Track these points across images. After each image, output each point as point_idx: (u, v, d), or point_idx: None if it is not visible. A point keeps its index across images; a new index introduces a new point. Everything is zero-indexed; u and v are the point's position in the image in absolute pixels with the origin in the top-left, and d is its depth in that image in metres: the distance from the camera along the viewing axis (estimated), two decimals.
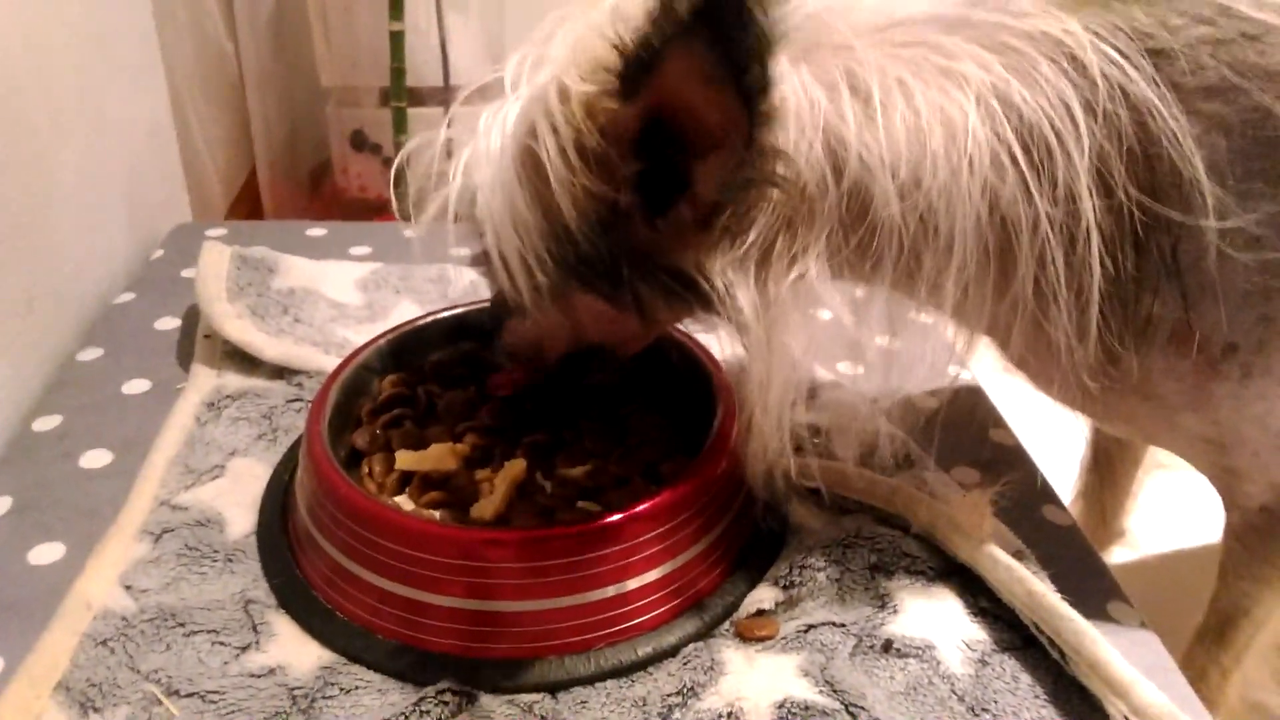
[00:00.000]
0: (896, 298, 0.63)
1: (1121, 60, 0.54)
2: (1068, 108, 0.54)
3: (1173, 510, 1.05)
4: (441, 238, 0.60)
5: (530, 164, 0.55)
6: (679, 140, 0.52)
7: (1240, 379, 0.61)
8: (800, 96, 0.54)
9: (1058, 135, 0.54)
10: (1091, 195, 0.54)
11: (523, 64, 0.57)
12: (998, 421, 0.88)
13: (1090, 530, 1.04)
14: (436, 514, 0.68)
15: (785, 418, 0.60)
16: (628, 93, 0.51)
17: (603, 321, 0.64)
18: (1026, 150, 0.54)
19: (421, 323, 0.82)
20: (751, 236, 0.55)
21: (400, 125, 1.67)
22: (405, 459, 0.70)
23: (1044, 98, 0.54)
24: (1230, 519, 0.73)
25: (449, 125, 0.60)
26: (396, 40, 1.59)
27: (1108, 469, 1.02)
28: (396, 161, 0.62)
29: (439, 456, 0.71)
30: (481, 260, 0.61)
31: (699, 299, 0.58)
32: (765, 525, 0.70)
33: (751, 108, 0.49)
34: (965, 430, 0.85)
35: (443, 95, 1.72)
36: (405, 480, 0.71)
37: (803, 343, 0.60)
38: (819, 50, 0.55)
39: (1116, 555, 1.06)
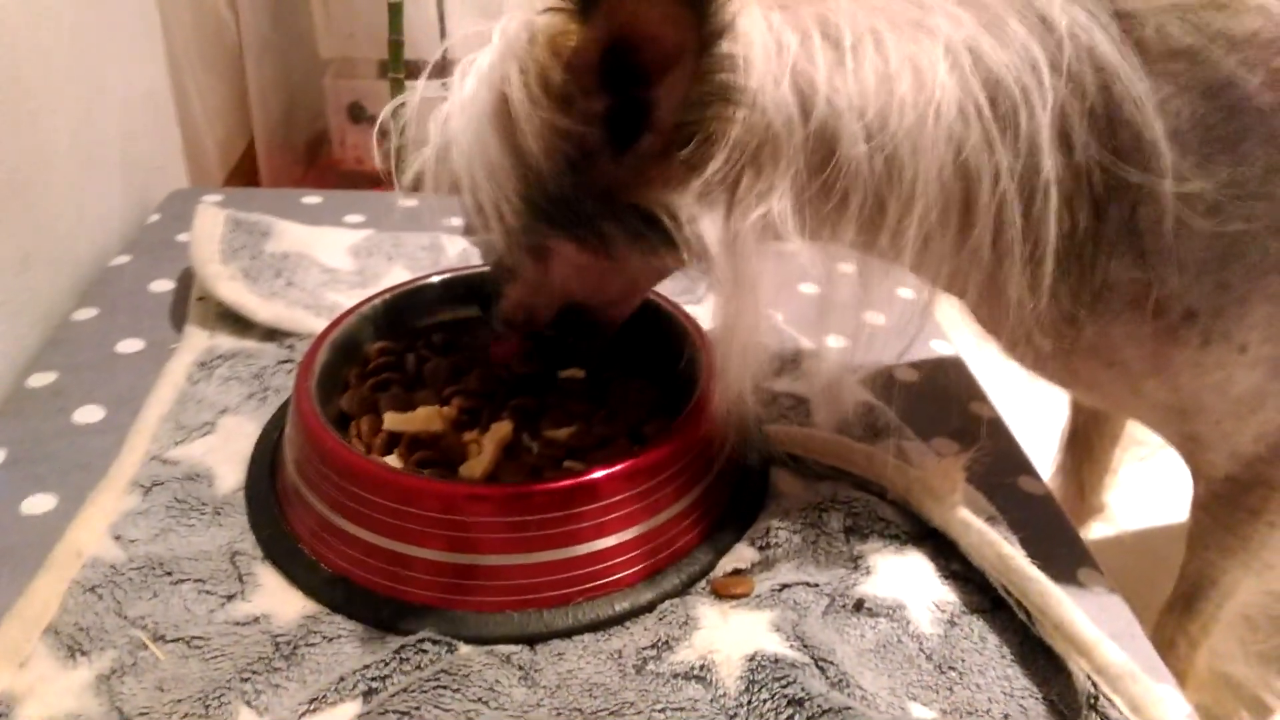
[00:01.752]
0: (858, 255, 0.63)
1: (1089, 22, 0.55)
2: (1034, 65, 0.54)
3: (1152, 486, 1.06)
4: (435, 206, 0.62)
5: (502, 109, 0.56)
6: (637, 68, 0.53)
7: (1199, 345, 0.62)
8: (769, 38, 0.55)
9: (1023, 91, 0.54)
10: (1054, 151, 0.55)
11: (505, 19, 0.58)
12: (978, 394, 0.89)
13: (1069, 505, 1.05)
14: (425, 472, 0.69)
15: (751, 355, 0.61)
16: (584, 9, 0.51)
17: (584, 276, 0.65)
18: (993, 103, 0.55)
19: (410, 287, 0.83)
20: (714, 166, 0.55)
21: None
22: (393, 420, 0.72)
23: (1012, 54, 0.54)
24: (1196, 490, 0.74)
25: (425, 87, 0.61)
26: (395, 13, 1.59)
27: (1086, 445, 1.03)
28: (379, 120, 0.63)
29: (426, 418, 0.72)
30: (473, 228, 0.62)
31: (664, 237, 0.58)
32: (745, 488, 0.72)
33: (706, 17, 0.50)
34: (945, 402, 0.87)
35: (440, 67, 1.73)
36: (393, 441, 0.72)
37: (769, 281, 0.60)
38: (795, 1, 0.56)
39: (1095, 530, 1.08)
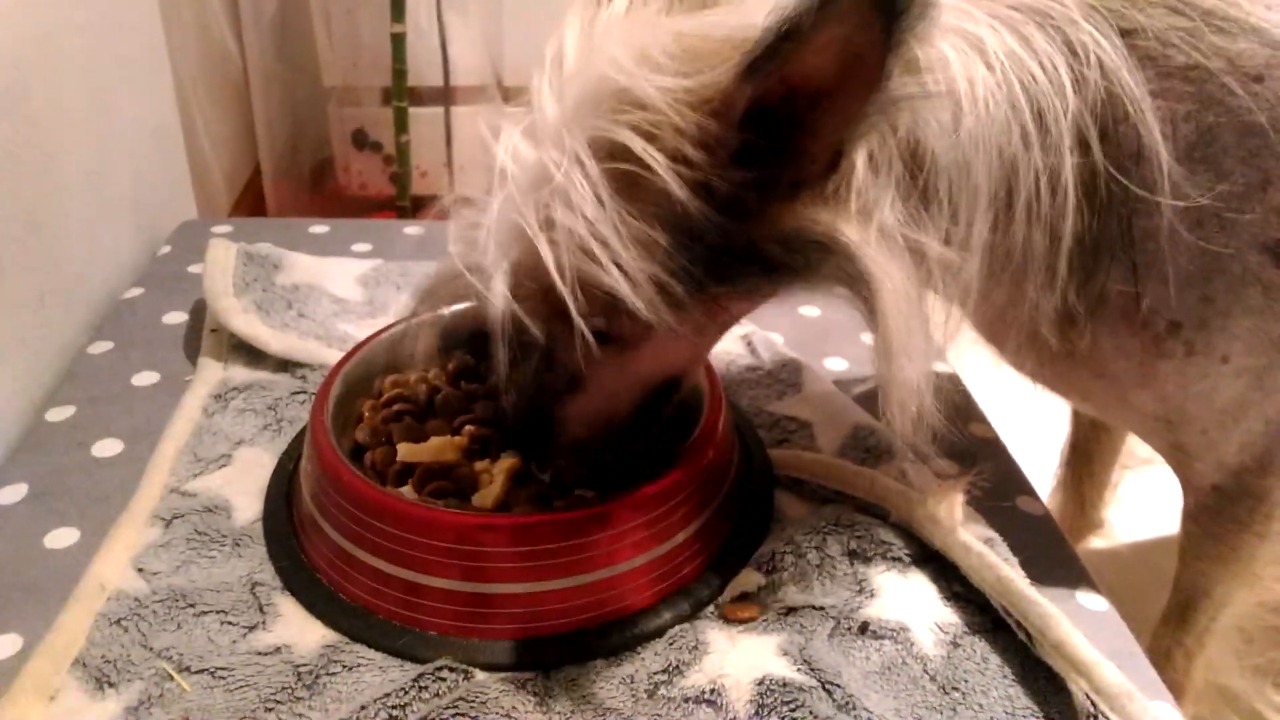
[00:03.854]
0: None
1: (1099, 36, 0.57)
2: (1058, 74, 0.57)
3: (1149, 499, 1.08)
4: (439, 236, 0.60)
5: (621, 186, 0.53)
6: (781, 101, 0.52)
7: (1184, 356, 0.64)
8: None
9: (1049, 98, 0.56)
10: (1072, 154, 0.57)
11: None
12: (977, 415, 0.91)
13: (1069, 521, 1.07)
14: (440, 503, 0.71)
15: (924, 361, 0.59)
16: (761, 66, 0.50)
17: (680, 343, 0.62)
18: (1031, 109, 0.56)
19: (421, 319, 0.85)
20: (858, 182, 0.55)
21: (401, 124, 1.70)
22: (406, 451, 0.73)
23: (1038, 63, 0.56)
24: (1186, 501, 0.76)
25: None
26: (398, 41, 1.62)
27: (1086, 462, 1.05)
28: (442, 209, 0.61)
29: (438, 448, 0.74)
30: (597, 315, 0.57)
31: (820, 257, 0.57)
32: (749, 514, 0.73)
33: (894, 51, 0.48)
34: (945, 423, 0.88)
35: (443, 95, 1.75)
36: (407, 472, 0.73)
37: (917, 283, 0.59)
38: None
39: (1093, 543, 1.09)
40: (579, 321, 0.55)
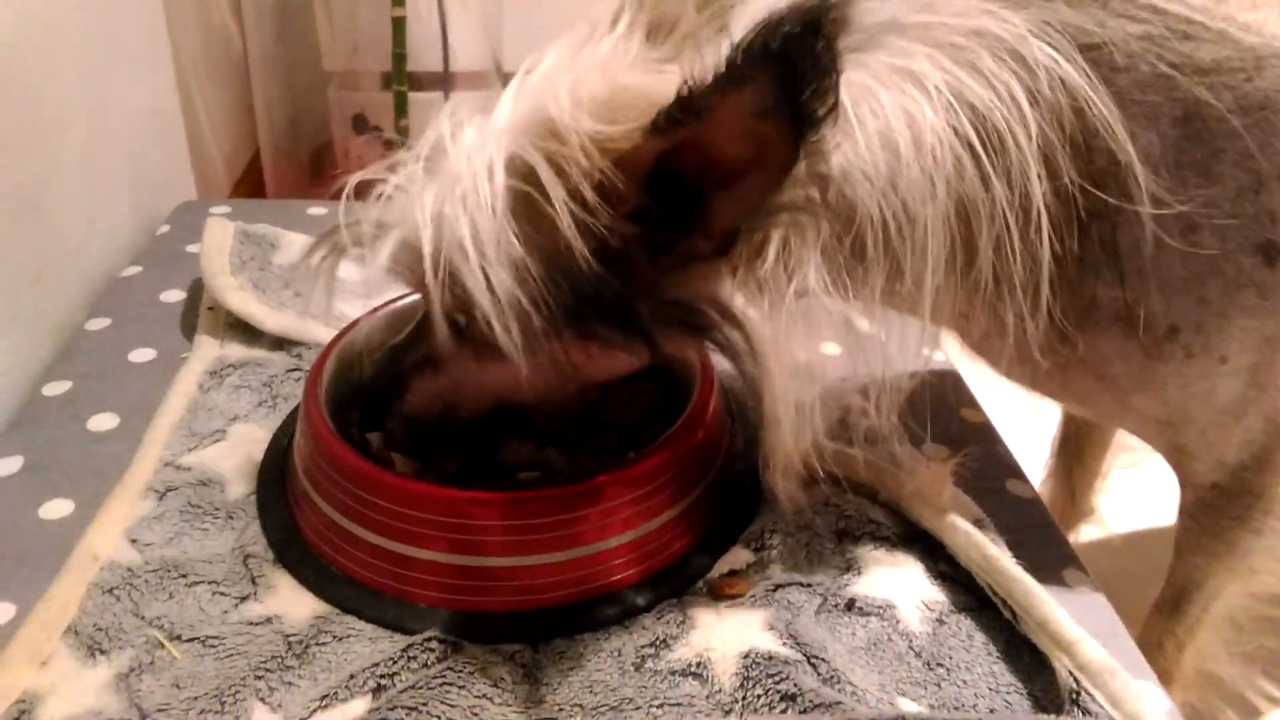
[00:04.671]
0: (884, 309, 0.64)
1: (1056, 54, 0.57)
2: (1013, 97, 0.56)
3: (1142, 491, 1.08)
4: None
5: (520, 207, 0.54)
6: (686, 171, 0.53)
7: (1183, 359, 0.64)
8: None
9: (1007, 123, 0.56)
10: (1040, 180, 0.57)
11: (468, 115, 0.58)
12: (969, 401, 0.91)
13: (1060, 509, 1.07)
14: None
15: (807, 431, 0.61)
16: (667, 128, 0.50)
17: (548, 377, 0.62)
18: (981, 139, 0.56)
19: (413, 298, 0.85)
20: (767, 260, 0.56)
21: (401, 109, 1.70)
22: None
23: (990, 89, 0.56)
24: (1184, 496, 0.76)
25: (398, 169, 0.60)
26: (398, 26, 1.62)
27: (1077, 451, 1.05)
28: (347, 190, 0.61)
29: None
30: (455, 310, 0.59)
31: (702, 328, 0.58)
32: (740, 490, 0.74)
33: (803, 139, 0.50)
34: (937, 408, 0.88)
35: (442, 80, 1.75)
36: None
37: (811, 355, 0.61)
38: None
39: (1086, 533, 1.10)
40: (435, 309, 0.58)
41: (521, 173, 0.54)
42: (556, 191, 0.53)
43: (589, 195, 0.53)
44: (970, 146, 0.56)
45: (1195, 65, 0.58)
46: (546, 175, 0.53)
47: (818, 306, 0.58)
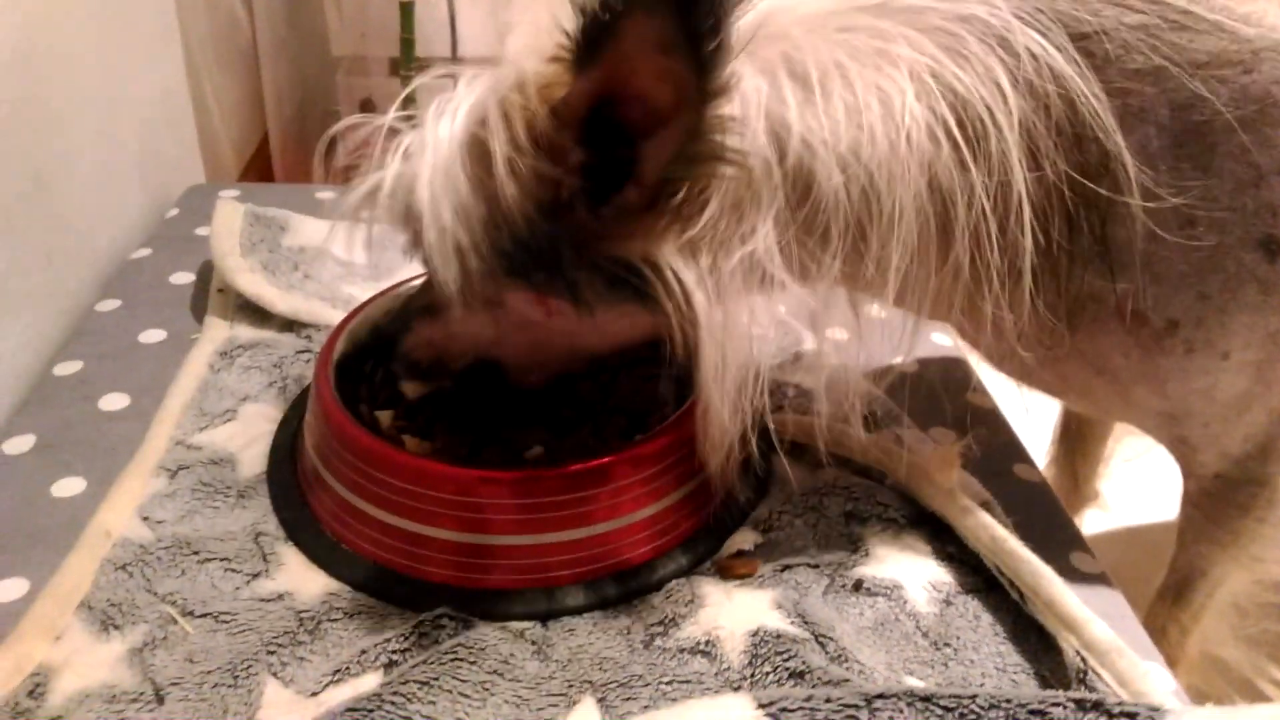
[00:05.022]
0: (845, 290, 0.63)
1: (1045, 42, 0.56)
2: (996, 83, 0.55)
3: (1146, 481, 1.08)
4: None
5: (477, 150, 0.55)
6: (626, 123, 0.53)
7: (1184, 353, 0.64)
8: (742, 86, 0.55)
9: (989, 109, 0.55)
10: (1021, 167, 0.56)
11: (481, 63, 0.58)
12: (976, 385, 0.91)
13: (1063, 494, 1.07)
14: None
15: (742, 404, 0.60)
16: (582, 62, 0.51)
17: (520, 334, 0.64)
18: (960, 124, 0.55)
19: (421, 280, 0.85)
20: (704, 219, 0.55)
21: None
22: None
23: (974, 74, 0.55)
24: (1187, 486, 0.76)
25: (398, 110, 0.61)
26: (406, 12, 1.62)
27: (1079, 438, 1.05)
28: (329, 134, 0.63)
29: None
30: (412, 249, 0.62)
31: (643, 288, 0.58)
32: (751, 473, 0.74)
33: (707, 78, 0.49)
34: (944, 392, 0.89)
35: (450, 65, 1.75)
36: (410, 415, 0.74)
37: (757, 323, 0.60)
38: (756, 41, 0.55)
39: (1092, 523, 1.10)
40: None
41: (481, 120, 0.55)
42: (500, 136, 0.54)
43: (522, 137, 0.54)
44: (949, 130, 0.55)
45: (1191, 58, 0.58)
46: (493, 120, 0.54)
47: (768, 280, 0.58)
